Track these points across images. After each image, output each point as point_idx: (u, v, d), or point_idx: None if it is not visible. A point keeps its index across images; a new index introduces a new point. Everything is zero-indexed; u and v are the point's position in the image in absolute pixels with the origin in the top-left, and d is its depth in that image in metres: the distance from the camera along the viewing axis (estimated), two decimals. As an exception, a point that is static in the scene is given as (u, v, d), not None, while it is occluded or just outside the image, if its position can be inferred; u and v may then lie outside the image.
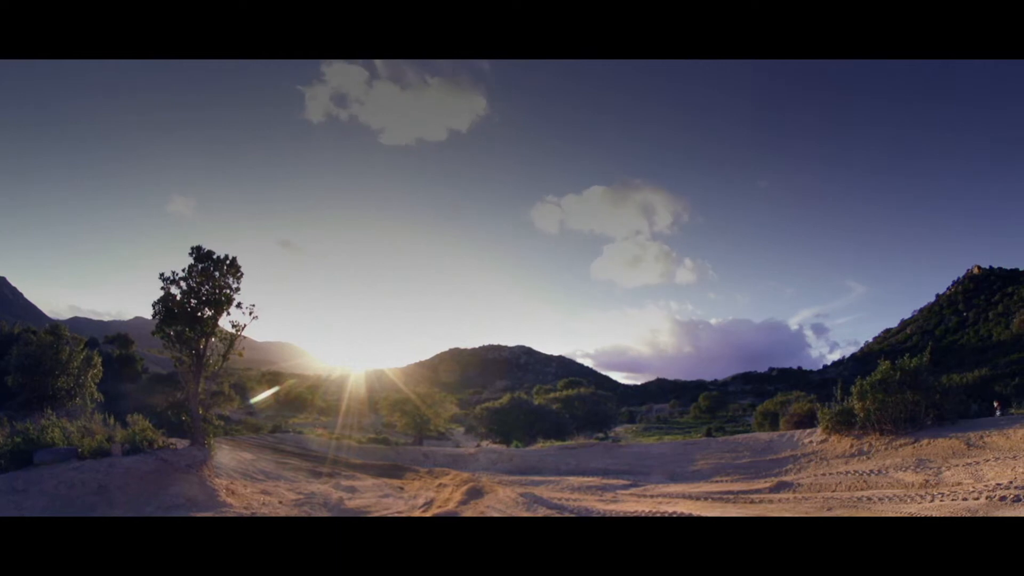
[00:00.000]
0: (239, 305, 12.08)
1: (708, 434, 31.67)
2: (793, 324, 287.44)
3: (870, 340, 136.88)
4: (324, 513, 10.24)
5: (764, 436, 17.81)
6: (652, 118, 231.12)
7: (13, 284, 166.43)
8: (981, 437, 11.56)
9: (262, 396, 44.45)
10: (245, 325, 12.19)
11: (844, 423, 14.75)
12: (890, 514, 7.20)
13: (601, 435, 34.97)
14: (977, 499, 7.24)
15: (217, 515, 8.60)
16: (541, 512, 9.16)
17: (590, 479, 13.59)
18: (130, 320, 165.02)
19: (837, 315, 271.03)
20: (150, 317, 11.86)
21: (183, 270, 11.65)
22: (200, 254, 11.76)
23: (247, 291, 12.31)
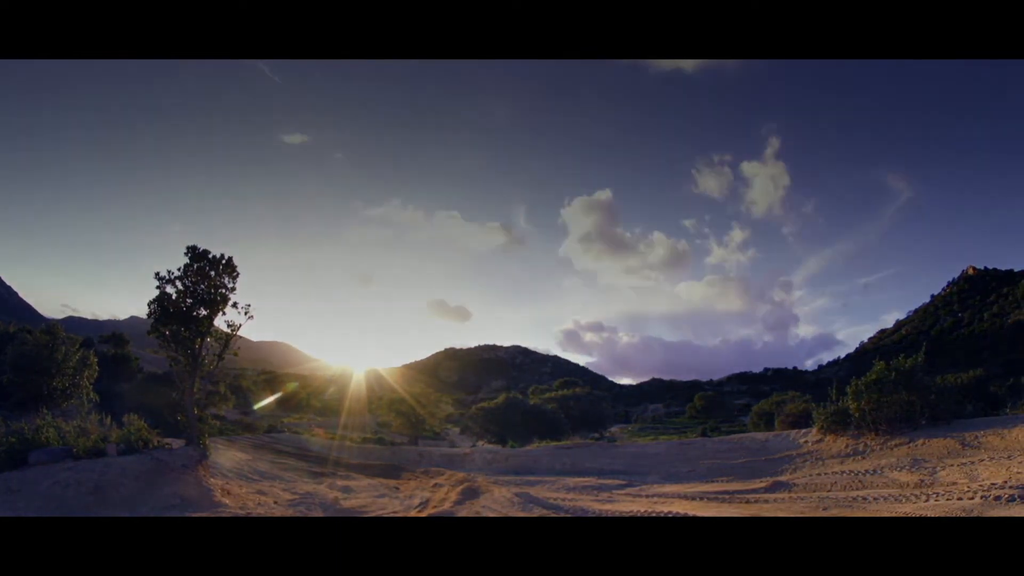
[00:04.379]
0: (235, 305, 12.04)
1: (704, 434, 31.76)
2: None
3: (865, 340, 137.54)
4: (319, 513, 10.23)
5: (760, 436, 17.85)
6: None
7: (8, 283, 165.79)
8: (976, 437, 11.61)
9: (265, 402, 44.32)
10: (241, 325, 12.16)
11: (839, 423, 14.79)
12: (885, 514, 7.23)
13: (596, 435, 34.97)
14: (972, 499, 7.27)
15: (212, 515, 8.58)
16: (537, 512, 9.17)
17: (586, 479, 13.60)
18: (125, 319, 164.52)
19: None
20: (145, 316, 11.81)
21: (179, 269, 11.61)
22: (196, 253, 11.72)
23: (243, 290, 12.27)
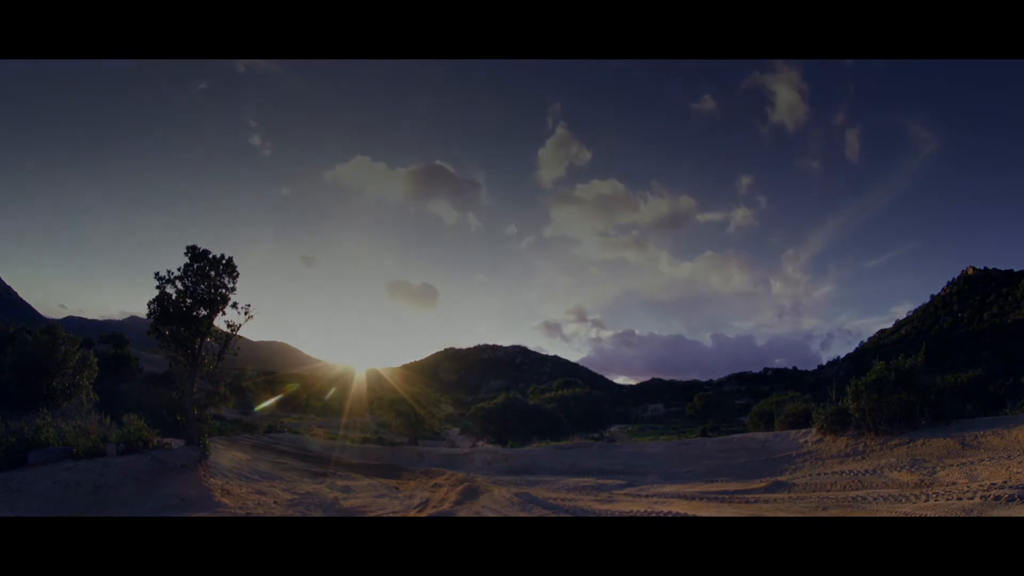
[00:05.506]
0: (235, 305, 12.05)
1: (703, 434, 31.73)
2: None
3: (865, 340, 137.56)
4: (319, 513, 10.23)
5: (759, 436, 17.85)
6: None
7: (8, 283, 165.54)
8: (976, 437, 11.61)
9: (266, 404, 44.29)
10: (240, 325, 12.17)
11: (839, 423, 14.79)
12: (885, 514, 7.23)
13: (596, 435, 34.98)
14: (972, 499, 7.27)
15: (212, 515, 8.58)
16: (536, 512, 9.17)
17: (585, 479, 13.59)
18: (125, 320, 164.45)
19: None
20: (145, 316, 11.82)
21: (178, 269, 11.61)
22: (196, 253, 11.72)
23: (242, 291, 12.28)
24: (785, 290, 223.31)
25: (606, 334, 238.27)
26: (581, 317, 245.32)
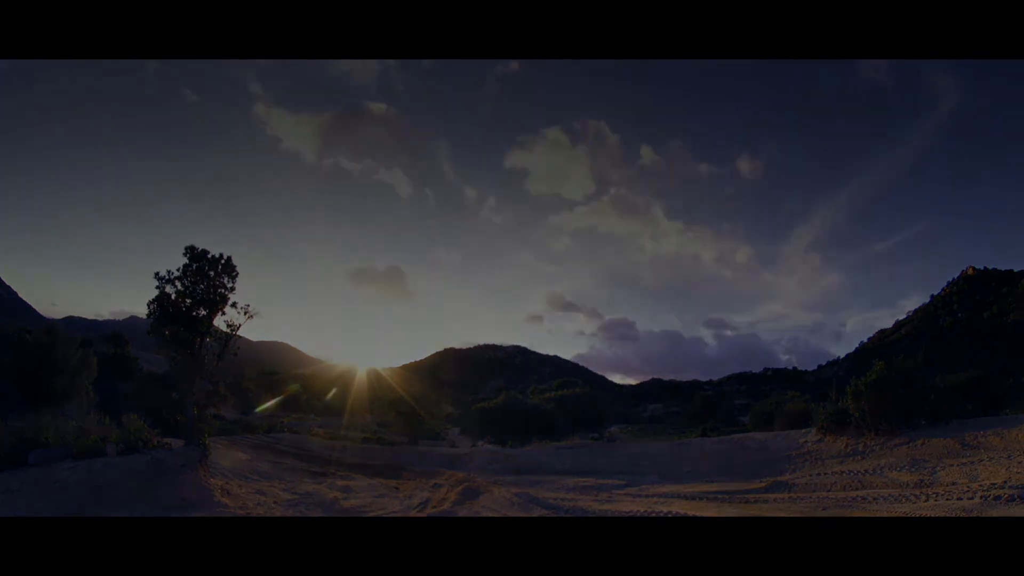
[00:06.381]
0: (234, 304, 12.06)
1: (703, 434, 31.70)
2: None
3: (865, 340, 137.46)
4: (319, 513, 10.22)
5: (759, 436, 17.85)
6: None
7: (8, 283, 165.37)
8: (976, 437, 11.61)
9: (267, 405, 44.30)
10: (240, 324, 12.17)
11: (839, 423, 14.80)
12: (884, 514, 7.23)
13: (596, 435, 34.96)
14: (971, 499, 7.28)
15: (212, 515, 8.57)
16: (536, 512, 9.17)
17: (585, 479, 13.60)
18: (125, 320, 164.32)
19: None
20: (144, 316, 11.83)
21: (178, 270, 11.62)
22: (195, 254, 11.73)
23: (242, 290, 12.28)
24: (791, 279, 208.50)
25: (596, 325, 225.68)
26: (567, 306, 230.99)
